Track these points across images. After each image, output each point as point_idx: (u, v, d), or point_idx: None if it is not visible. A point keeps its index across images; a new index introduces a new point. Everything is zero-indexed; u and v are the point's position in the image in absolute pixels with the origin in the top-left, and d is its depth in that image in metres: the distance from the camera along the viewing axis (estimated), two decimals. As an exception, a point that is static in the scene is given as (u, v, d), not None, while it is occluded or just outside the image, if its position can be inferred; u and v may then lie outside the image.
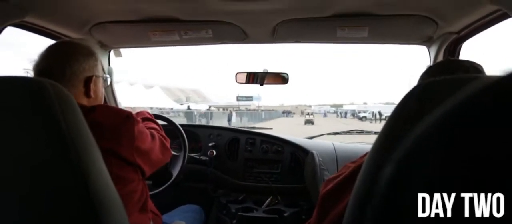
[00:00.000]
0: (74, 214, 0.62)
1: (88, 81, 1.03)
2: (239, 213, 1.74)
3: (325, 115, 67.17)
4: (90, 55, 1.05)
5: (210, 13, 1.46)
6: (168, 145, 1.22)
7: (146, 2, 1.37)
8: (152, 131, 1.16)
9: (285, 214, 1.72)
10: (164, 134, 1.25)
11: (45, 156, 0.61)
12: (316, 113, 73.84)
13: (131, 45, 1.85)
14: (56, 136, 0.60)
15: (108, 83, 1.20)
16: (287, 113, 68.74)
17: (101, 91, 1.12)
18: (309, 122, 35.03)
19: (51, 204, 0.61)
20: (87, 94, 1.03)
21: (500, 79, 0.23)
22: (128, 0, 1.34)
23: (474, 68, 0.88)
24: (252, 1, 1.32)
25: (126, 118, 0.99)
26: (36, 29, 1.41)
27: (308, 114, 41.33)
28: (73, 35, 1.58)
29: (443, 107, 0.26)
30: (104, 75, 1.15)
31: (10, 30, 1.24)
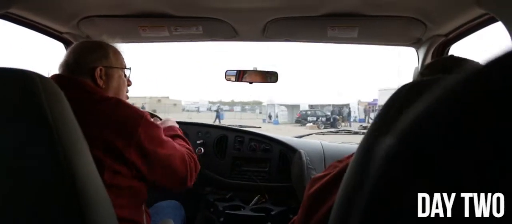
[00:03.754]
0: (59, 206, 0.62)
1: (92, 71, 1.10)
2: (227, 211, 1.74)
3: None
4: (98, 48, 1.15)
5: (200, 9, 1.45)
6: (192, 162, 1.24)
7: None
8: (176, 143, 1.20)
9: (273, 213, 1.72)
10: (192, 151, 1.31)
11: (30, 147, 0.60)
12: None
13: (120, 40, 1.82)
14: (42, 127, 0.60)
15: (127, 75, 1.26)
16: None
17: (117, 81, 1.18)
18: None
19: (36, 195, 0.61)
20: (95, 83, 1.10)
21: (487, 68, 0.23)
22: None
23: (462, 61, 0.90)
24: (243, -2, 1.32)
25: (137, 117, 1.04)
26: (21, 21, 1.37)
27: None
28: (60, 28, 1.55)
29: (432, 102, 0.25)
30: (126, 69, 1.23)
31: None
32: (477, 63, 0.85)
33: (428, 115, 0.26)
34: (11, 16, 1.29)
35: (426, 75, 0.93)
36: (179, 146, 1.22)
